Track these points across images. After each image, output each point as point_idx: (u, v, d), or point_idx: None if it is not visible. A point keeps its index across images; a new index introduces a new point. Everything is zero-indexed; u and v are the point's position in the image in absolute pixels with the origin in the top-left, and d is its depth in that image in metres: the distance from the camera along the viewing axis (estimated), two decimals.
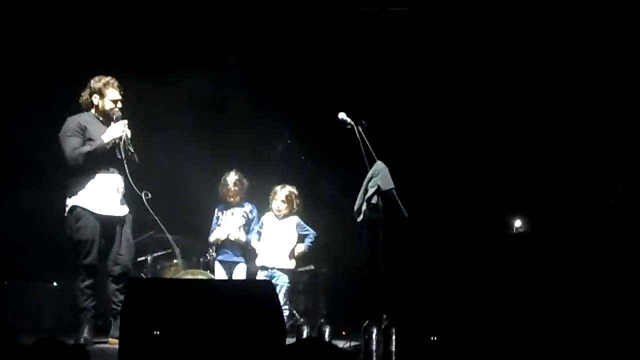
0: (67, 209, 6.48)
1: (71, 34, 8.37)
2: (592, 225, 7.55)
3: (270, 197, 7.49)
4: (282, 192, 7.43)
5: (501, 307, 5.15)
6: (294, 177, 7.80)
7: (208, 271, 7.58)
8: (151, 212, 6.63)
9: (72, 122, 6.49)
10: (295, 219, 7.42)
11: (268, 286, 5.34)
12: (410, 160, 8.26)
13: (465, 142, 8.64)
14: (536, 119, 8.38)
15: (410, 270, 7.95)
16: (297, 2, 8.62)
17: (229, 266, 7.51)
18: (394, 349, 5.22)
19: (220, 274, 7.50)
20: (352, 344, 6.40)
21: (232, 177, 7.54)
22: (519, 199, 8.26)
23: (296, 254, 7.38)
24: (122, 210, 6.63)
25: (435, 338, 4.82)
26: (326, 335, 5.72)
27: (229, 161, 7.83)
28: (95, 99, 6.60)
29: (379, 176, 6.39)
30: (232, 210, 7.58)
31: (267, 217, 7.50)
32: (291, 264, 7.35)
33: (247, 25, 8.74)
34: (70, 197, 6.46)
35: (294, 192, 7.46)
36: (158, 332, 4.68)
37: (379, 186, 6.35)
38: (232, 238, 7.46)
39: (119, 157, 6.55)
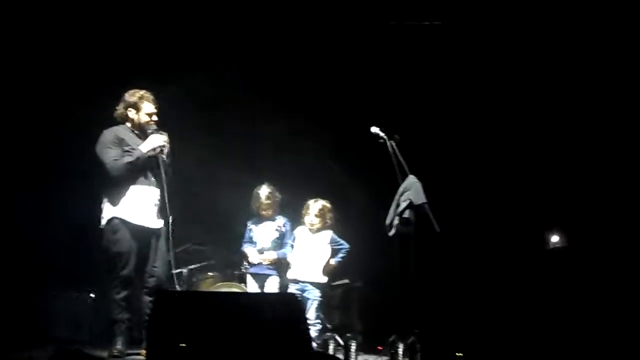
0: (104, 220, 6.52)
1: (106, 47, 8.51)
2: (631, 241, 7.43)
3: (303, 211, 7.46)
4: (314, 206, 7.41)
5: (533, 325, 5.07)
6: (327, 190, 7.79)
7: (243, 284, 7.60)
8: (170, 235, 6.62)
9: (109, 134, 6.55)
10: (328, 234, 7.38)
11: (294, 300, 5.35)
12: (442, 174, 8.21)
13: (500, 156, 8.57)
14: (572, 134, 8.28)
15: (440, 285, 7.89)
16: (332, 17, 8.63)
17: (261, 279, 7.50)
18: None
19: (252, 286, 7.50)
20: (384, 358, 6.39)
21: (264, 191, 7.55)
22: (556, 213, 8.16)
23: (328, 268, 7.33)
24: (158, 223, 6.66)
25: (461, 355, 4.76)
26: (352, 350, 5.70)
27: (262, 174, 7.84)
28: (131, 112, 6.66)
29: (411, 190, 6.38)
30: (264, 223, 7.58)
31: (300, 230, 7.48)
32: (323, 279, 7.28)
33: (282, 39, 8.79)
34: (107, 208, 6.50)
35: (327, 206, 7.41)
36: (184, 345, 4.72)
37: (411, 200, 6.34)
38: (264, 263, 7.48)
39: (156, 169, 6.60)
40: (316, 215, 7.38)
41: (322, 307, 7.37)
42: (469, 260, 8.26)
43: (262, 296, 6.61)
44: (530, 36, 8.32)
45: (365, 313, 8.15)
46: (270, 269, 7.50)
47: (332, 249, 7.37)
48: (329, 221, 7.40)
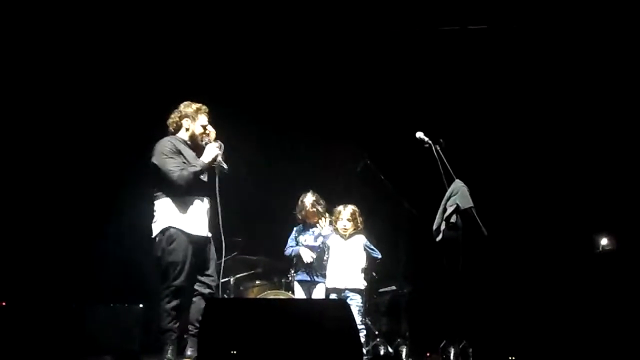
0: (157, 230, 6.48)
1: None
2: None
3: (334, 217, 7.45)
4: (346, 211, 7.38)
5: (583, 328, 5.01)
6: (373, 197, 7.78)
7: (290, 292, 7.61)
8: (223, 244, 6.64)
9: (167, 143, 6.51)
10: (361, 238, 7.35)
11: (344, 306, 5.33)
12: (489, 177, 8.16)
13: (548, 158, 8.50)
14: (622, 138, 8.18)
15: (489, 290, 7.83)
16: (375, 22, 8.64)
17: (308, 286, 7.50)
18: None
19: (299, 294, 7.50)
20: None
21: (309, 199, 7.57)
22: (605, 216, 8.06)
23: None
24: (209, 232, 6.70)
25: (514, 358, 4.72)
26: (403, 355, 5.67)
27: (307, 183, 7.85)
28: (186, 122, 6.65)
29: (458, 195, 6.34)
30: (311, 230, 7.60)
31: (333, 238, 7.43)
32: (362, 284, 7.25)
33: (326, 46, 8.82)
34: (162, 218, 6.47)
35: (357, 210, 7.39)
36: (235, 352, 4.73)
37: (457, 205, 6.30)
38: (307, 260, 7.46)
39: (210, 179, 6.61)
40: (348, 220, 7.35)
41: (366, 313, 7.36)
42: (518, 264, 8.19)
43: (313, 302, 6.60)
44: (578, 40, 8.25)
45: (413, 319, 8.11)
46: (317, 276, 7.49)
47: (367, 255, 7.34)
48: (360, 225, 7.38)
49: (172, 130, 6.70)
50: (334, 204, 7.63)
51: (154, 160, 6.43)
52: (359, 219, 7.38)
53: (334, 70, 8.97)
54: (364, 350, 6.86)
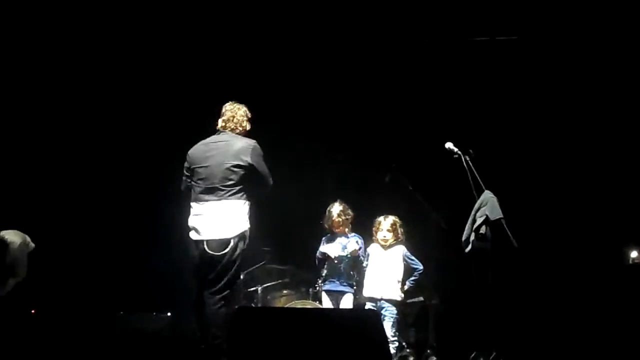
0: (239, 230, 6.31)
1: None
2: None
3: (374, 228, 7.47)
4: (386, 222, 7.41)
5: (614, 340, 4.96)
6: (401, 207, 7.77)
7: (317, 302, 7.61)
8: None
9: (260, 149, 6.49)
10: (401, 249, 7.36)
11: (374, 315, 5.33)
12: (519, 188, 8.12)
13: (577, 170, 8.45)
14: None
15: (519, 301, 7.78)
16: (406, 32, 8.65)
17: (336, 296, 7.48)
18: None
19: (327, 303, 7.49)
20: None
21: (336, 208, 7.57)
22: (635, 228, 7.99)
23: (402, 290, 7.29)
24: None
25: None
26: None
27: (335, 193, 7.85)
28: (249, 125, 6.66)
29: (487, 206, 6.32)
30: (338, 240, 7.59)
31: (373, 248, 7.47)
32: (399, 295, 7.25)
33: (359, 56, 8.85)
34: (246, 219, 6.40)
35: (397, 221, 7.42)
36: None
37: (487, 216, 6.27)
38: (349, 253, 7.43)
39: None
40: (389, 230, 7.37)
41: (398, 325, 7.35)
42: (548, 276, 8.14)
43: (341, 312, 6.58)
44: (609, 50, 8.21)
45: (442, 330, 8.07)
46: (344, 285, 7.49)
47: (406, 266, 7.33)
48: (401, 236, 7.39)
49: (239, 132, 6.59)
50: (365, 215, 7.64)
51: (253, 161, 6.34)
52: (400, 230, 7.39)
53: (365, 81, 8.98)
54: None
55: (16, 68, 8.63)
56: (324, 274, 7.53)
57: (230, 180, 6.31)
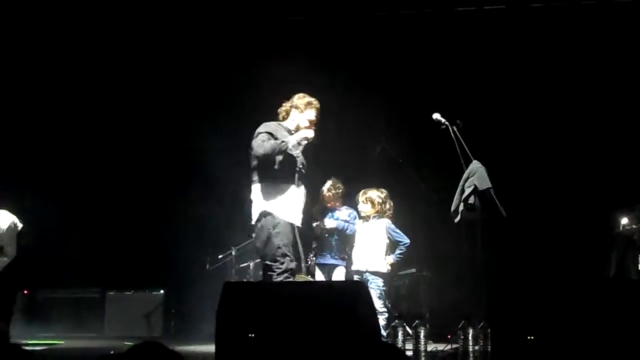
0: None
1: None
2: None
3: (356, 202, 7.49)
4: (362, 195, 7.38)
5: (602, 307, 4.96)
6: (390, 180, 7.77)
7: (309, 276, 7.63)
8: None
9: (272, 125, 6.47)
10: (384, 222, 7.33)
11: (361, 287, 5.33)
12: (507, 158, 8.13)
13: (565, 137, 8.47)
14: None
15: (508, 270, 7.81)
16: (392, 3, 8.63)
17: (328, 269, 7.55)
18: (489, 349, 5.14)
19: (320, 277, 7.54)
20: (454, 346, 6.34)
21: (327, 184, 7.63)
22: (626, 194, 8.00)
23: (388, 264, 7.30)
24: None
25: (532, 338, 4.69)
26: (421, 337, 5.65)
27: (328, 168, 7.85)
28: (294, 113, 6.57)
29: (476, 176, 6.30)
30: (331, 214, 7.62)
31: (358, 222, 7.51)
32: (383, 267, 7.25)
33: (342, 30, 8.83)
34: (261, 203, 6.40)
35: (378, 194, 7.33)
36: (253, 335, 4.75)
37: (475, 186, 6.26)
38: (327, 226, 7.47)
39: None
40: (364, 202, 7.34)
41: (387, 296, 7.37)
42: (537, 244, 8.16)
43: (330, 285, 6.58)
44: (602, 18, 8.20)
45: (432, 301, 8.11)
46: (335, 259, 7.52)
47: (391, 239, 7.32)
48: (384, 210, 7.34)
49: (281, 118, 6.63)
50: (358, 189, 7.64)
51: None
52: (381, 204, 7.32)
53: (352, 52, 8.97)
54: (384, 333, 6.88)
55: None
56: (313, 246, 7.58)
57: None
